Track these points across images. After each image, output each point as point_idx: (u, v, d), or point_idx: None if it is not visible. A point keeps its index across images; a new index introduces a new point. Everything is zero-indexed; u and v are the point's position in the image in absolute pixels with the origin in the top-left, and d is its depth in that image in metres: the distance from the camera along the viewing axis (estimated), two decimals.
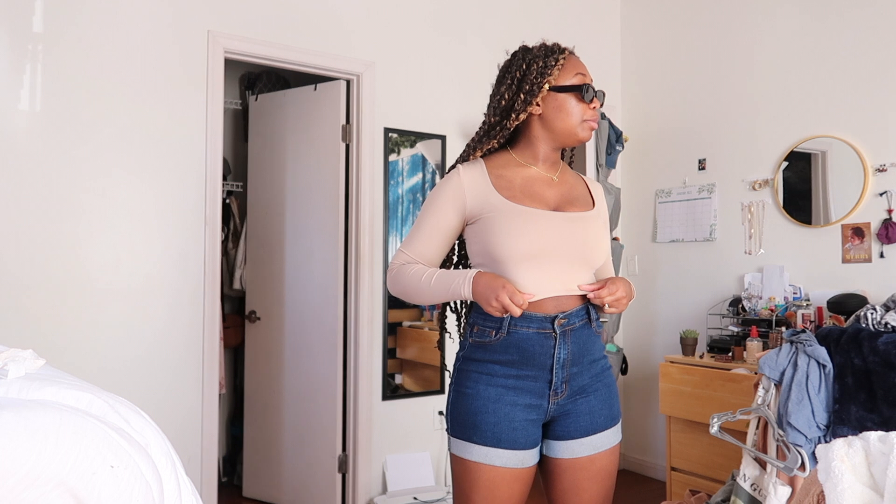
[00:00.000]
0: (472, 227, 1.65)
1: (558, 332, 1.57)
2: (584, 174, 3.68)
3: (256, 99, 3.97)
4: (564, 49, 1.68)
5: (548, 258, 1.58)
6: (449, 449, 1.67)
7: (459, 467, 1.62)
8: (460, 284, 1.57)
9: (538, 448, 1.65)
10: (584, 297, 1.63)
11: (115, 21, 2.90)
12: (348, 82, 3.56)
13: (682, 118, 4.18)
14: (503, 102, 1.66)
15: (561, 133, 1.66)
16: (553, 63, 1.63)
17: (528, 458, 1.61)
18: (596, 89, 1.65)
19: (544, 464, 1.68)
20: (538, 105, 1.64)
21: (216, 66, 3.13)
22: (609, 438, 1.66)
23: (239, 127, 4.44)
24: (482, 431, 1.58)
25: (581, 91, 1.63)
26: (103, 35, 2.87)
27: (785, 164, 3.64)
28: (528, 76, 1.64)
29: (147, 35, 2.97)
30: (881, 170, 3.29)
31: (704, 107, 4.06)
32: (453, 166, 1.71)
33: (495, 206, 1.60)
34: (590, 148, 3.65)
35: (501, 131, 1.67)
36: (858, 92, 3.39)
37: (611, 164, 4.20)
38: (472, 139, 1.73)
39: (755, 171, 3.79)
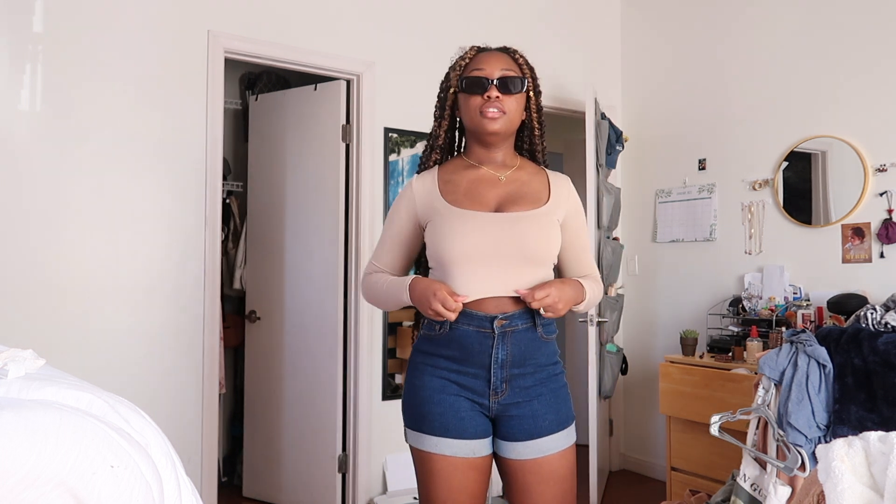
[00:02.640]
0: (425, 233, 1.70)
1: (497, 332, 1.58)
2: (585, 174, 3.69)
3: (256, 99, 3.97)
4: (473, 48, 1.72)
5: (487, 259, 1.59)
6: (405, 440, 1.71)
7: (415, 458, 1.67)
8: (402, 291, 1.65)
9: (490, 438, 1.65)
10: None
11: (115, 21, 2.90)
12: (348, 82, 3.56)
13: (682, 118, 4.18)
14: (436, 112, 1.76)
15: (472, 130, 1.69)
16: (458, 67, 1.69)
17: (479, 448, 1.63)
18: (494, 78, 1.63)
19: (497, 462, 1.69)
20: (453, 110, 1.72)
21: (216, 66, 3.13)
22: (557, 442, 1.64)
23: (239, 127, 4.44)
24: (430, 422, 1.62)
25: (461, 86, 1.66)
26: (103, 35, 2.87)
27: (785, 164, 3.64)
28: (441, 84, 1.74)
29: (147, 35, 2.97)
30: (881, 170, 3.29)
31: (704, 107, 4.06)
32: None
33: (438, 211, 1.66)
34: (590, 148, 3.64)
35: (435, 141, 1.75)
36: (858, 92, 3.39)
37: (611, 164, 4.19)
38: (423, 151, 1.81)
39: (755, 171, 3.79)
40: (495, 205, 1.65)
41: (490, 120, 1.62)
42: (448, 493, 1.61)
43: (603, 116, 3.96)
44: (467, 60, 1.69)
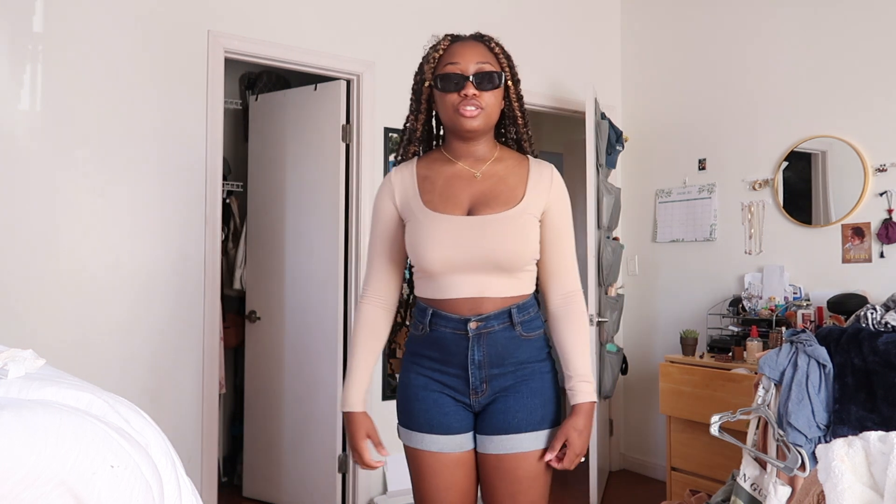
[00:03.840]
0: (405, 232, 1.65)
1: (472, 334, 1.56)
2: (585, 174, 3.69)
3: (256, 99, 3.97)
4: (447, 37, 1.63)
5: (459, 266, 1.56)
6: (398, 436, 1.72)
7: (406, 454, 1.68)
8: (344, 399, 1.71)
9: (473, 434, 1.64)
10: (504, 298, 1.57)
11: (115, 21, 2.90)
12: (348, 82, 3.56)
13: (682, 118, 4.18)
14: (411, 105, 1.69)
15: (448, 127, 1.62)
16: (431, 59, 1.60)
17: (465, 442, 1.62)
18: (469, 74, 1.55)
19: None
20: (429, 102, 1.65)
21: (216, 66, 3.13)
22: (526, 442, 1.57)
23: (239, 127, 4.44)
24: (416, 418, 1.63)
25: (436, 83, 1.58)
26: (103, 35, 2.87)
27: (785, 164, 3.64)
28: (416, 76, 1.66)
29: (147, 35, 2.97)
30: (881, 170, 3.29)
31: (704, 107, 4.06)
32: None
33: (415, 213, 1.62)
34: (590, 148, 3.64)
35: (413, 134, 1.69)
36: (858, 92, 3.39)
37: (611, 164, 4.19)
38: (399, 143, 1.75)
39: (755, 171, 3.79)
40: (468, 206, 1.60)
41: (468, 118, 1.55)
42: (437, 489, 1.61)
43: (603, 116, 3.96)
44: (441, 52, 1.60)
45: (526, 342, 1.60)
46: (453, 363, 1.59)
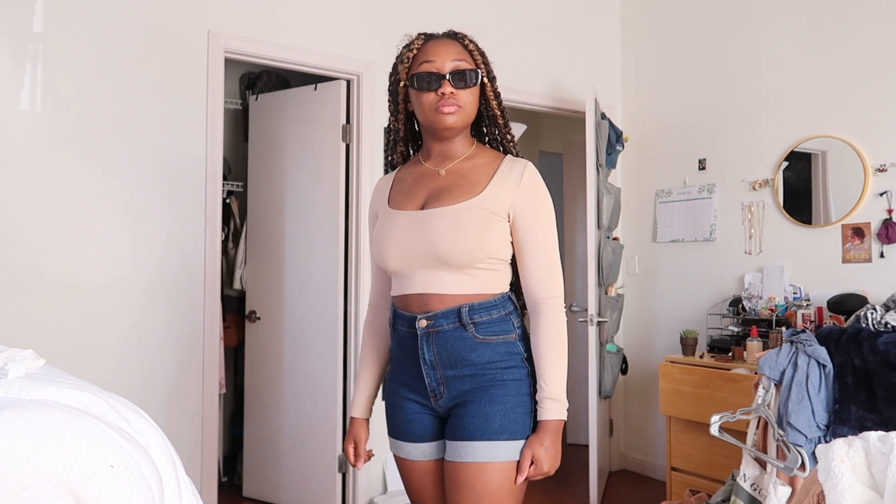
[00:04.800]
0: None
1: (420, 332, 1.52)
2: (585, 174, 3.69)
3: (256, 99, 3.97)
4: (420, 36, 1.58)
5: (406, 261, 1.53)
6: None
7: None
8: (351, 403, 1.76)
9: (443, 442, 1.57)
10: (455, 296, 1.50)
11: (116, 21, 2.90)
12: (348, 82, 3.56)
13: (682, 118, 4.18)
14: (390, 106, 1.66)
15: (426, 126, 1.58)
16: (405, 59, 1.57)
17: (430, 451, 1.59)
18: (445, 72, 1.51)
19: None
20: (405, 103, 1.62)
21: (216, 66, 3.13)
22: (477, 451, 1.45)
23: (239, 127, 4.44)
24: (389, 424, 1.68)
25: (413, 83, 1.54)
26: (103, 35, 2.88)
27: (785, 164, 3.64)
28: (390, 76, 1.62)
29: (147, 35, 2.97)
30: (881, 170, 3.29)
31: (704, 107, 4.06)
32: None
33: (378, 212, 1.65)
34: (590, 148, 3.64)
35: (397, 134, 1.68)
36: (858, 92, 3.39)
37: (611, 164, 4.19)
38: (385, 146, 1.76)
39: (755, 171, 3.79)
40: (423, 201, 1.56)
41: (446, 115, 1.51)
42: (412, 493, 1.65)
43: (603, 116, 3.96)
44: (415, 51, 1.55)
45: (483, 345, 1.50)
46: (411, 363, 1.57)
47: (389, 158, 1.72)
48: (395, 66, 1.60)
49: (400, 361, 1.62)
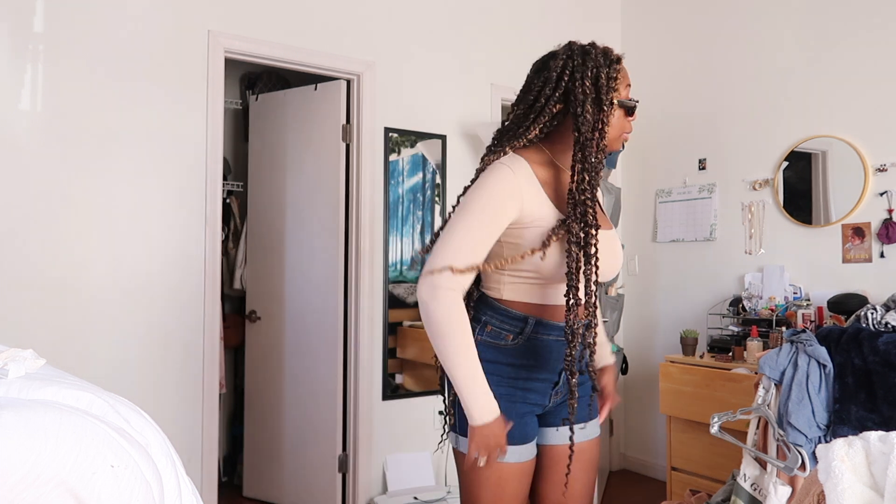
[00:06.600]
0: (527, 231, 1.53)
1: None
2: None
3: (256, 99, 3.97)
4: (617, 55, 1.59)
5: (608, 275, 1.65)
6: (455, 447, 1.62)
7: (468, 465, 1.56)
8: (471, 403, 1.46)
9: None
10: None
11: (116, 21, 2.90)
12: (348, 82, 3.56)
13: (682, 118, 4.18)
14: (549, 87, 1.55)
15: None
16: (615, 75, 1.55)
17: (535, 451, 1.65)
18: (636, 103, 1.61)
19: (539, 453, 1.68)
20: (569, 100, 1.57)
21: (216, 66, 3.13)
22: (592, 429, 1.72)
23: (239, 127, 4.44)
24: (516, 433, 1.55)
25: (630, 108, 1.59)
26: (103, 35, 2.87)
27: (785, 163, 3.64)
28: (600, 87, 1.53)
29: (147, 35, 2.97)
30: (881, 170, 3.29)
31: (705, 107, 4.06)
32: (486, 159, 1.59)
33: (546, 218, 1.53)
34: None
35: (542, 117, 1.56)
36: (858, 92, 3.39)
37: (611, 164, 4.19)
38: (508, 130, 1.61)
39: (755, 171, 3.79)
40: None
41: (624, 142, 1.63)
42: (511, 500, 1.58)
43: None
44: (617, 72, 1.55)
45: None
46: (547, 369, 1.60)
47: (516, 140, 1.57)
48: (586, 63, 1.53)
49: (531, 369, 1.60)
